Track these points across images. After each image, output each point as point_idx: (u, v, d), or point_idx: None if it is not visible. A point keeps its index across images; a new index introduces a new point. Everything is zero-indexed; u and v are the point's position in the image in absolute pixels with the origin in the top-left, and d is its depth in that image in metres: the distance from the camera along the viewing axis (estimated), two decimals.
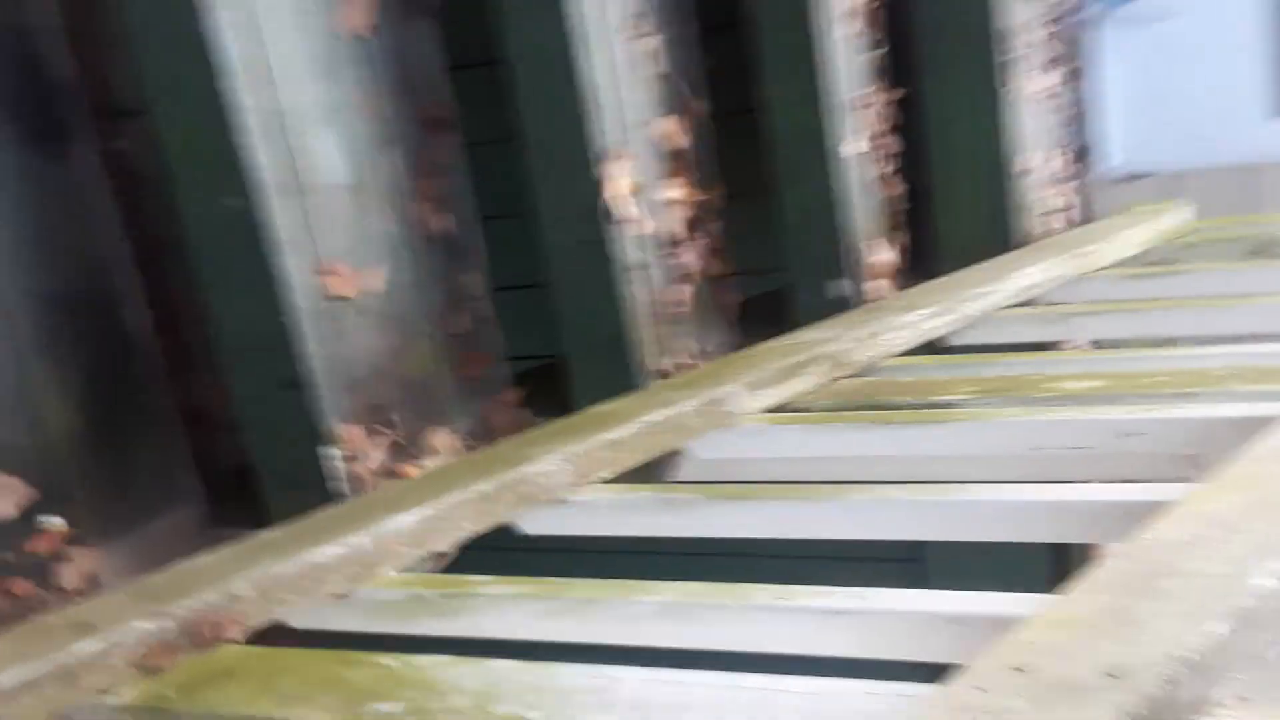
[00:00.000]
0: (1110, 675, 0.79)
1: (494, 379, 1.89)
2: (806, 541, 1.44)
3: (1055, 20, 4.92)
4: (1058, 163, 3.85)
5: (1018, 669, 0.83)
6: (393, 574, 1.39)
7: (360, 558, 1.36)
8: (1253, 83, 6.37)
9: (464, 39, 1.98)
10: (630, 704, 1.00)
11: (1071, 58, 5.44)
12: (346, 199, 1.63)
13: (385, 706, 1.07)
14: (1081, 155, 5.84)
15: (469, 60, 2.00)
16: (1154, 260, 2.79)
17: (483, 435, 1.81)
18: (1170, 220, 2.98)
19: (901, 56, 2.69)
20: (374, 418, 1.62)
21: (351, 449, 1.57)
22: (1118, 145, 6.45)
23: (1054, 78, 3.92)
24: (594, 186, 1.90)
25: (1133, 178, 5.60)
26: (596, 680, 1.04)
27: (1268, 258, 2.74)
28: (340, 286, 1.59)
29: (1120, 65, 6.32)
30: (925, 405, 1.80)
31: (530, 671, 1.08)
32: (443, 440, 1.73)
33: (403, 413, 1.67)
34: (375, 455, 1.61)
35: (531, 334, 2.02)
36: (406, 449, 1.67)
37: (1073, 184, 4.11)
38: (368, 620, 1.35)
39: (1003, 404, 1.74)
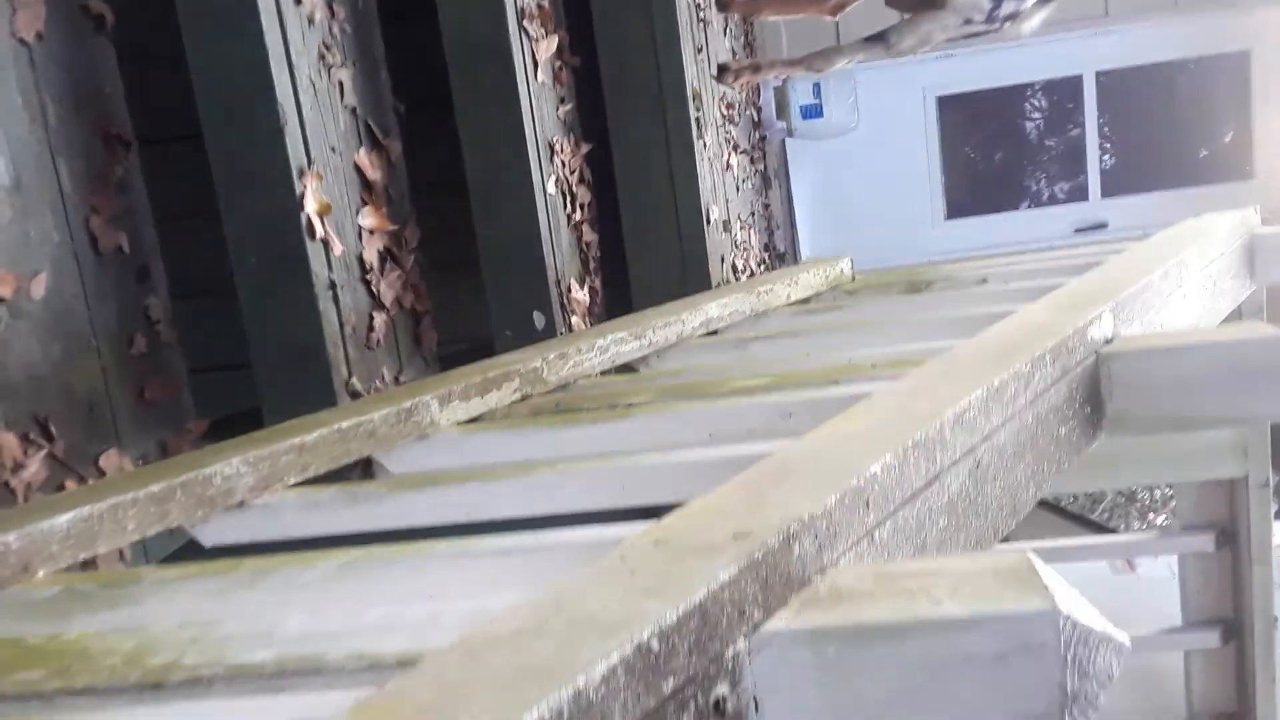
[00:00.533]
0: (736, 537, 0.80)
1: (177, 407, 1.77)
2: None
3: (752, 122, 5.23)
4: (750, 240, 4.05)
5: (657, 541, 0.82)
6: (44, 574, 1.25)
7: (4, 558, 1.22)
8: (925, 191, 6.97)
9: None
10: (293, 639, 0.93)
11: (765, 162, 5.79)
12: (4, 199, 1.50)
13: (27, 675, 0.95)
14: (772, 251, 6.19)
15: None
16: (823, 300, 2.96)
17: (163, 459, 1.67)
18: (837, 270, 3.19)
19: (596, 114, 2.78)
20: (31, 427, 1.47)
21: (2, 457, 1.41)
22: (805, 242, 6.88)
23: (745, 166, 4.15)
24: (289, 201, 1.84)
25: None
26: (259, 625, 0.96)
27: (918, 292, 2.97)
28: None
29: (806, 177, 6.79)
30: (611, 407, 1.82)
31: (189, 629, 0.99)
32: (113, 461, 1.59)
33: (67, 427, 1.53)
34: (31, 467, 1.46)
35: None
36: (69, 465, 1.52)
37: (762, 265, 4.35)
38: (13, 621, 1.20)
39: (683, 401, 1.79)
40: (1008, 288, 2.86)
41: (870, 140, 6.63)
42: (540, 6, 2.46)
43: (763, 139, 6.11)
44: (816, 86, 6.53)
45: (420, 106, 2.41)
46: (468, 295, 2.43)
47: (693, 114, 2.75)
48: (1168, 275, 2.24)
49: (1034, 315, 1.81)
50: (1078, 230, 6.93)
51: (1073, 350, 1.60)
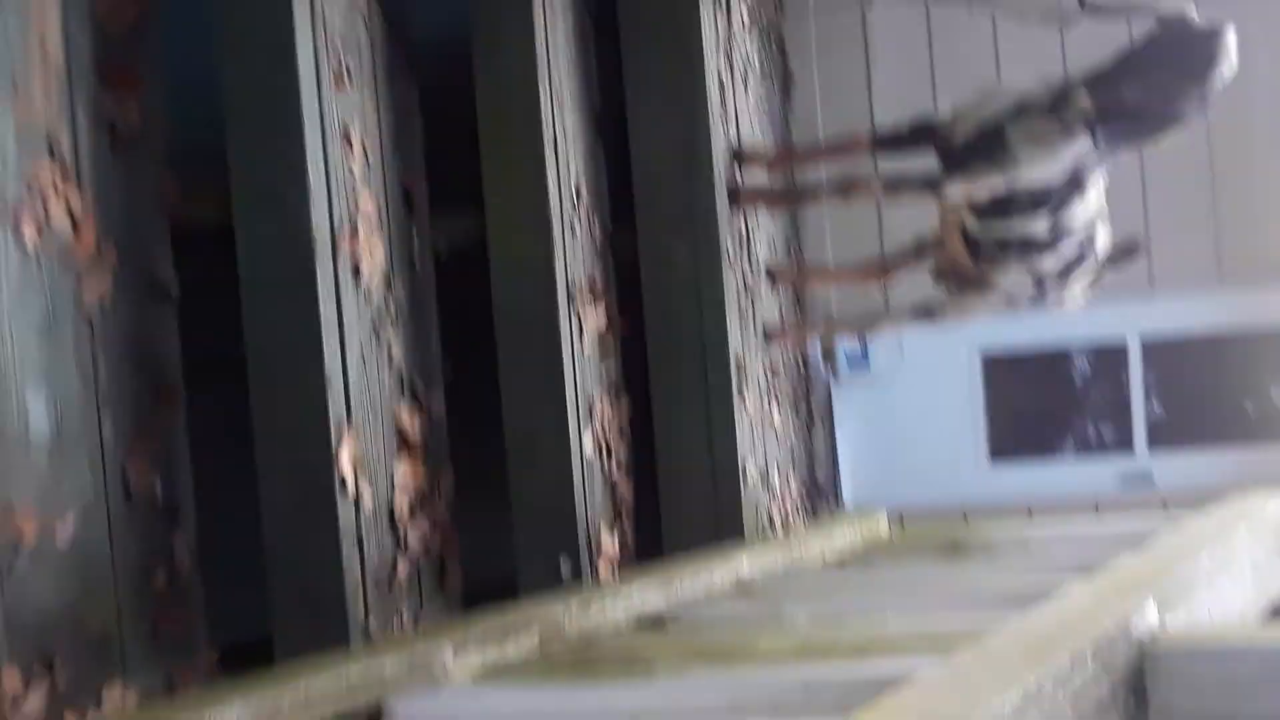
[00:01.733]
0: None
1: (191, 639, 1.66)
2: None
3: (797, 369, 5.14)
4: (790, 486, 3.89)
5: None
6: None
7: None
8: (971, 434, 6.71)
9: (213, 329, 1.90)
10: None
11: (810, 406, 5.66)
12: (44, 449, 1.47)
13: None
14: (814, 491, 5.96)
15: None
16: (858, 558, 2.76)
17: (167, 694, 1.56)
18: (873, 526, 2.99)
19: (638, 370, 2.71)
20: (36, 660, 1.38)
21: (3, 690, 1.32)
22: (848, 486, 6.63)
23: (788, 414, 4.04)
24: (324, 455, 1.78)
25: None
26: None
27: (956, 556, 2.75)
28: (18, 532, 1.39)
29: (854, 417, 6.60)
30: (632, 666, 1.65)
31: None
32: (115, 695, 1.48)
33: (73, 661, 1.43)
34: (32, 700, 1.36)
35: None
36: (72, 699, 1.42)
37: (801, 510, 4.16)
38: None
39: (705, 664, 1.62)
40: (1048, 558, 2.62)
41: (914, 389, 6.47)
42: (592, 279, 2.45)
43: (809, 383, 6.00)
44: (862, 332, 6.41)
45: (469, 356, 2.37)
46: (497, 536, 2.32)
47: (734, 378, 2.67)
48: (1214, 558, 2.01)
49: (1074, 602, 1.61)
50: (1124, 483, 6.56)
51: (1114, 644, 1.38)
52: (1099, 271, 3.06)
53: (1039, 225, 2.77)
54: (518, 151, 2.32)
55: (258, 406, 1.78)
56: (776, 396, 3.49)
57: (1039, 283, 2.96)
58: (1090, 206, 2.81)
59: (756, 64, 4.07)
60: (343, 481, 1.79)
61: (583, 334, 2.38)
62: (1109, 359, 6.75)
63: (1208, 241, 6.24)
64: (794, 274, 3.64)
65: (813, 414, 6.12)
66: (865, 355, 6.18)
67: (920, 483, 6.50)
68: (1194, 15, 2.44)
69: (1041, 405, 6.89)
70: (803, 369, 5.55)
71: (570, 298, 2.34)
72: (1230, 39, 2.37)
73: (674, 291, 2.69)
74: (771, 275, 3.47)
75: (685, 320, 2.67)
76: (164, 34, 1.84)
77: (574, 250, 2.42)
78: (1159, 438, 6.61)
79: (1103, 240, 2.97)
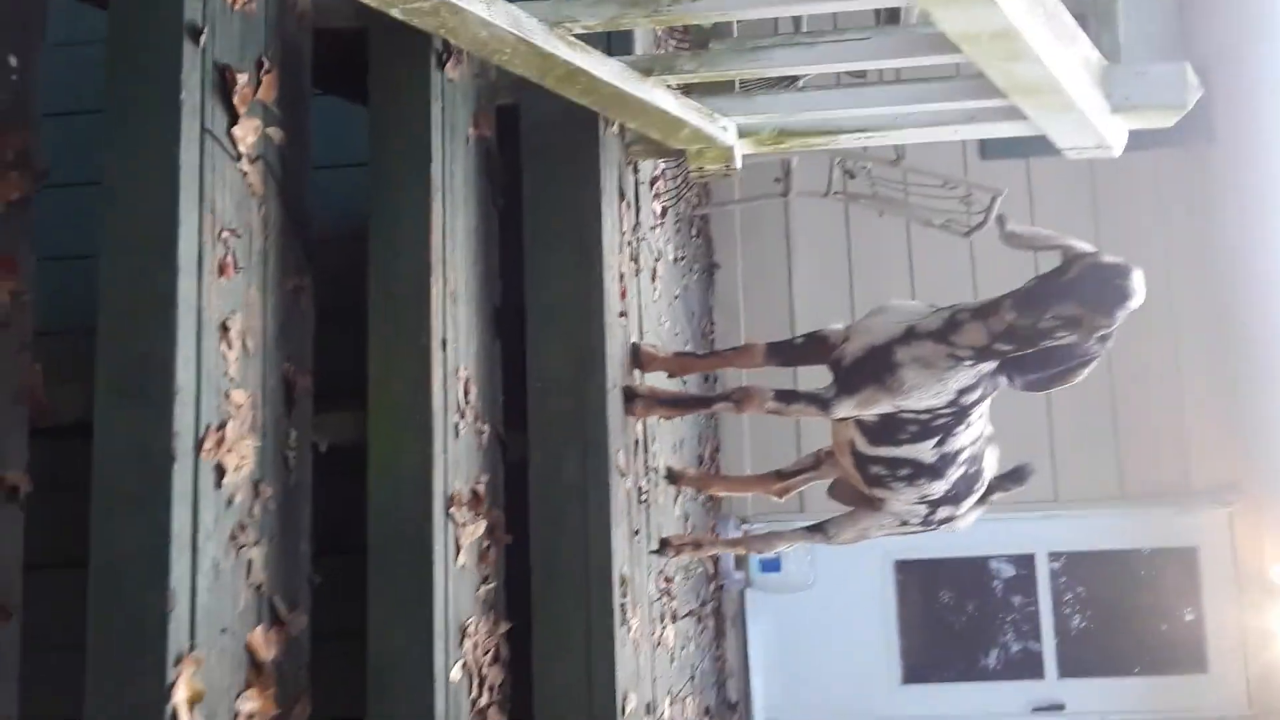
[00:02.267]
0: None
1: None
2: None
3: (705, 576, 5.21)
4: (684, 714, 3.90)
5: None
6: None
7: None
8: (883, 652, 6.83)
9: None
10: None
11: (715, 615, 5.72)
12: None
13: None
14: (723, 708, 5.96)
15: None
16: None
17: None
18: None
19: (521, 592, 2.74)
20: None
21: None
22: (760, 702, 6.65)
23: (690, 627, 4.08)
24: (156, 691, 1.75)
25: None
26: None
27: None
28: None
29: (763, 627, 6.68)
30: None
31: None
32: None
33: None
34: None
35: None
36: None
37: None
38: None
39: None
40: None
41: (827, 597, 6.60)
42: (474, 491, 2.50)
43: (719, 589, 6.07)
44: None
45: (343, 558, 2.38)
46: None
47: (618, 600, 2.71)
48: None
49: None
50: (1035, 710, 6.72)
51: None
52: (989, 495, 3.25)
53: (926, 450, 2.94)
54: (405, 345, 2.40)
55: (93, 632, 1.76)
56: (674, 612, 3.54)
57: (930, 506, 3.12)
58: (976, 431, 2.99)
59: (671, 254, 4.29)
60: (174, 718, 1.76)
61: (459, 549, 2.42)
62: (1019, 571, 7.02)
63: (1110, 459, 6.66)
64: (694, 480, 3.76)
65: (723, 623, 6.17)
66: (778, 562, 6.32)
67: (835, 701, 6.57)
68: (1100, 252, 2.70)
69: (955, 618, 7.09)
70: (713, 571, 5.63)
71: (448, 508, 2.39)
72: (1139, 278, 2.62)
73: (561, 502, 2.75)
74: (672, 478, 3.57)
75: (570, 534, 2.73)
76: (47, 200, 1.89)
77: (457, 454, 2.48)
78: (1070, 662, 6.85)
79: (991, 465, 3.16)
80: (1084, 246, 2.68)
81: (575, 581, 2.71)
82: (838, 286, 7.05)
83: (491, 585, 2.57)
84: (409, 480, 2.31)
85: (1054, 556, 6.83)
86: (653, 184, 3.76)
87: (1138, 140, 3.00)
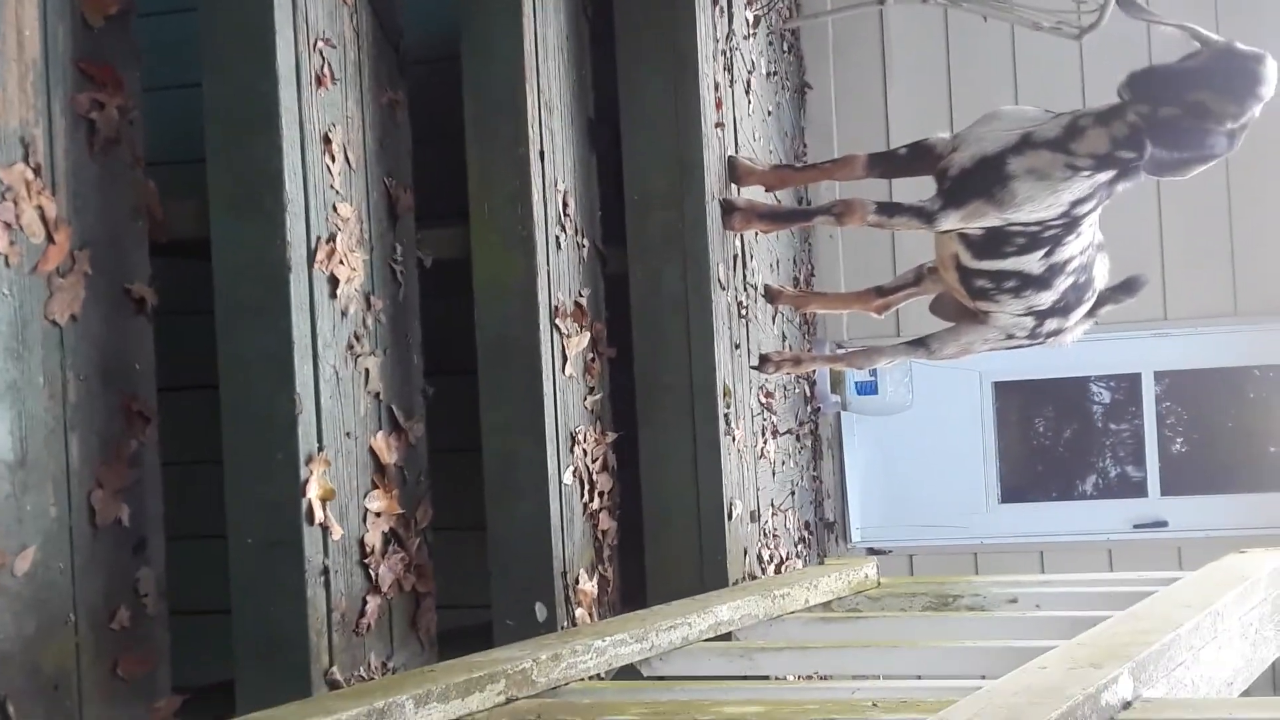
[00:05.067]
0: None
1: (152, 683, 1.73)
2: None
3: (802, 398, 5.26)
4: (787, 525, 3.99)
5: None
6: None
7: None
8: (980, 473, 6.87)
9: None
10: None
11: (816, 435, 5.78)
12: (4, 475, 1.53)
13: None
14: (819, 527, 6.09)
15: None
16: (843, 606, 2.87)
17: None
18: (860, 574, 3.10)
19: (625, 405, 2.81)
20: None
21: None
22: (856, 522, 6.78)
23: (789, 445, 4.14)
24: (291, 488, 1.85)
25: (871, 553, 5.84)
26: None
27: (942, 609, 2.86)
28: None
29: (860, 450, 6.75)
30: None
31: None
32: None
33: (25, 705, 1.50)
34: None
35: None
36: None
37: (800, 545, 4.27)
38: None
39: None
40: (1036, 614, 2.74)
41: (925, 419, 6.59)
42: (577, 304, 2.54)
43: (816, 411, 6.12)
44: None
45: (454, 375, 2.45)
46: (476, 576, 2.40)
47: (721, 410, 2.76)
48: (1199, 628, 2.12)
49: (1046, 673, 1.71)
50: (1136, 526, 6.74)
51: (1084, 717, 1.49)
52: (1099, 308, 3.17)
53: (1033, 262, 2.87)
54: (503, 161, 2.40)
55: (227, 433, 1.85)
56: (775, 427, 3.59)
57: (1037, 319, 3.06)
58: (1086, 240, 2.91)
59: (764, 68, 4.19)
60: (310, 514, 1.87)
61: (565, 359, 2.47)
62: (1123, 392, 6.93)
63: (1224, 276, 6.45)
64: (791, 297, 3.74)
65: (820, 445, 6.25)
66: (875, 384, 6.32)
67: (931, 521, 6.66)
68: (1236, 41, 2.55)
69: (1054, 440, 7.07)
70: (810, 394, 5.68)
71: (553, 319, 2.43)
72: (1272, 65, 2.48)
73: (662, 316, 2.78)
74: (769, 296, 3.56)
75: (672, 347, 2.77)
76: (142, 31, 1.92)
77: (558, 268, 2.51)
78: (1173, 481, 6.81)
79: (1101, 275, 3.08)
80: (1215, 35, 2.54)
81: (679, 393, 2.76)
82: (937, 104, 6.76)
83: (598, 396, 2.63)
84: (514, 292, 2.36)
85: (1160, 377, 6.72)
86: None
87: None
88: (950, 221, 2.83)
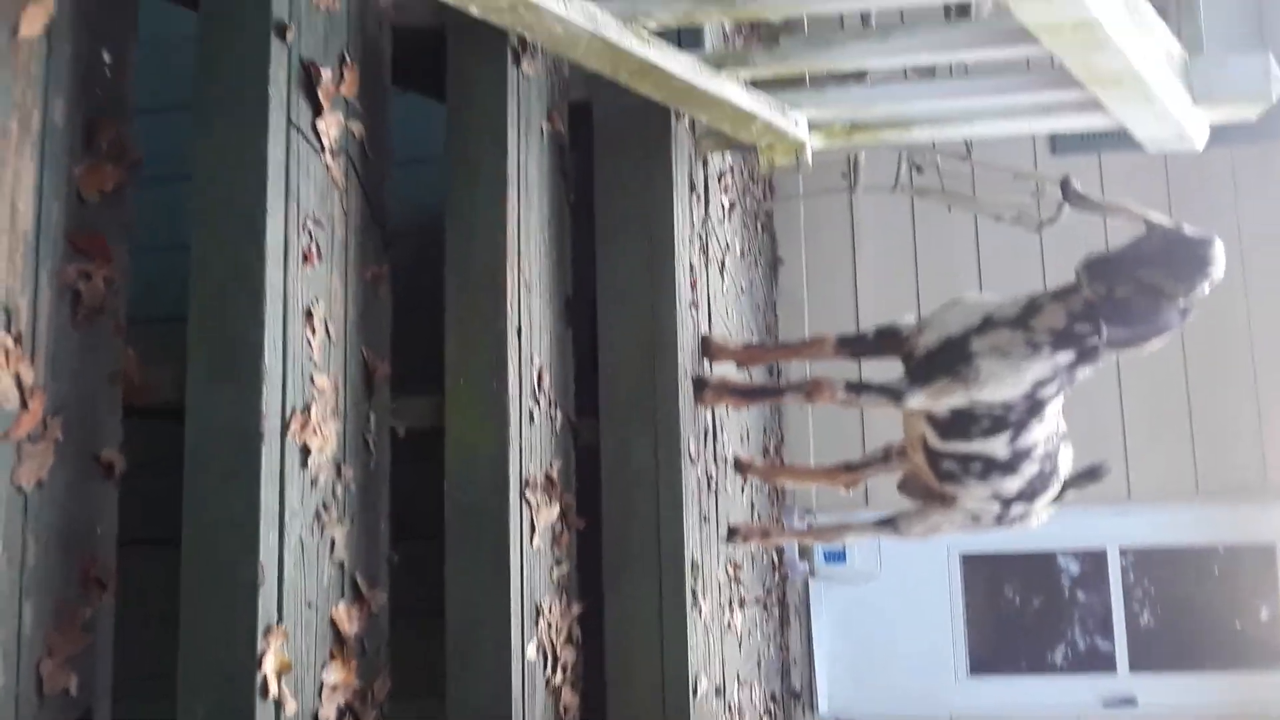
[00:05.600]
0: None
1: None
2: None
3: (771, 566, 5.20)
4: (753, 699, 3.89)
5: None
6: None
7: None
8: (950, 643, 6.75)
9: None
10: None
11: (784, 604, 5.70)
12: None
13: None
14: (787, 699, 5.94)
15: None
16: None
17: None
18: None
19: (592, 576, 2.76)
20: None
21: None
22: (824, 692, 6.61)
23: (757, 615, 4.07)
24: (248, 660, 1.79)
25: None
26: None
27: None
28: None
29: (828, 618, 6.64)
30: None
31: None
32: None
33: None
34: None
35: None
36: None
37: (765, 718, 4.15)
38: None
39: None
40: None
41: (893, 589, 6.51)
42: (548, 476, 2.52)
43: (784, 578, 6.04)
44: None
45: (420, 544, 2.41)
46: None
47: (689, 585, 2.72)
48: None
49: None
50: (1106, 705, 6.59)
51: None
52: (1063, 494, 3.18)
53: (999, 445, 2.89)
54: (481, 336, 2.42)
55: (185, 599, 1.81)
56: (742, 598, 3.54)
57: (1003, 504, 3.07)
58: (1050, 427, 2.94)
59: (738, 248, 4.29)
60: (264, 688, 1.80)
61: (534, 530, 2.44)
62: (1090, 567, 6.88)
63: (1185, 455, 6.50)
64: (761, 470, 3.74)
65: (787, 613, 6.15)
66: (843, 553, 6.27)
67: (900, 693, 6.51)
68: (1184, 224, 2.63)
69: (1022, 613, 6.97)
70: (778, 560, 5.62)
71: (523, 491, 2.41)
72: (1220, 247, 2.56)
73: (632, 488, 2.77)
74: (739, 468, 3.56)
75: (641, 519, 2.74)
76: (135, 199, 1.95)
77: (531, 440, 2.50)
78: (1141, 657, 6.70)
79: (1066, 464, 3.10)
80: (1161, 217, 2.62)
81: (647, 565, 2.72)
82: (903, 282, 6.95)
83: (565, 568, 2.59)
84: (486, 462, 2.34)
85: (1125, 552, 6.69)
86: (721, 178, 3.76)
87: (1215, 135, 2.92)
88: (918, 400, 2.86)
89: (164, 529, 1.99)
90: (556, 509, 2.52)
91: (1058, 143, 6.79)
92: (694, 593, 2.76)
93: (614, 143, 2.88)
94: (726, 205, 3.86)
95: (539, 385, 2.51)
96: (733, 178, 4.01)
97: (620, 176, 2.86)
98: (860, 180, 5.41)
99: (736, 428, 3.86)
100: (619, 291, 2.81)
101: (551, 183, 2.72)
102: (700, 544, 2.92)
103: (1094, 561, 6.72)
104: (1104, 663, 6.60)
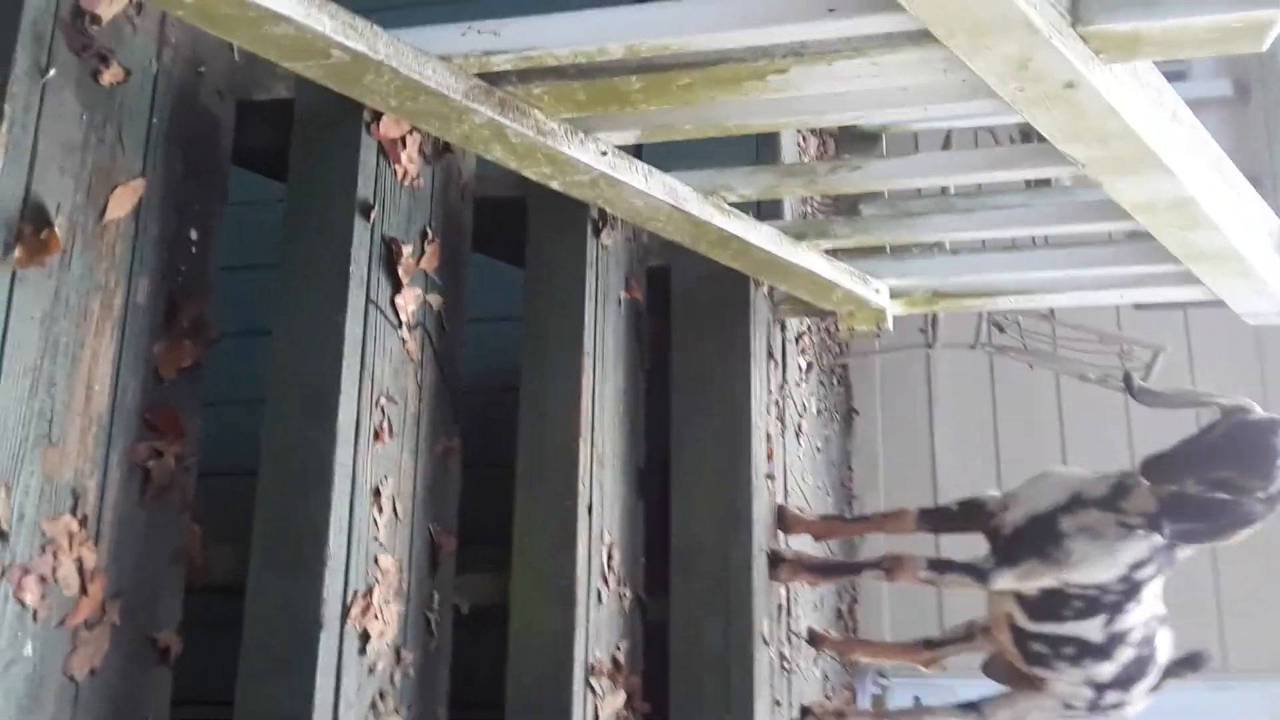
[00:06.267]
0: None
1: None
2: None
3: None
4: None
5: None
6: None
7: None
8: None
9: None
10: None
11: None
12: None
13: None
14: None
15: None
16: None
17: None
18: None
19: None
20: None
21: None
22: None
23: None
24: None
25: None
26: None
27: None
28: None
29: None
30: None
31: None
32: None
33: None
34: None
35: None
36: None
37: None
38: None
39: None
40: None
41: None
42: (614, 659, 2.41)
43: None
44: (916, 699, 6.22)
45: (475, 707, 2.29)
46: None
47: None
48: None
49: None
50: None
51: None
52: (1161, 681, 2.98)
53: (1093, 629, 2.72)
54: (550, 512, 2.35)
55: None
56: None
57: (1096, 690, 2.88)
58: (1147, 611, 2.76)
59: (813, 407, 4.20)
60: None
61: (598, 718, 2.31)
62: None
63: None
64: (836, 644, 3.57)
65: None
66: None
67: None
68: (1255, 406, 2.48)
69: None
70: None
71: (588, 677, 2.30)
72: None
73: (702, 670, 2.63)
74: (814, 641, 3.40)
75: (711, 705, 2.60)
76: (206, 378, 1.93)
77: (598, 622, 2.40)
78: None
79: (1164, 649, 2.91)
80: (1231, 401, 2.48)
81: None
82: (982, 438, 6.77)
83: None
84: (549, 647, 2.24)
85: None
86: (799, 339, 3.70)
87: None
88: (1005, 581, 2.72)
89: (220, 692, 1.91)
90: (622, 695, 2.40)
91: None
92: None
93: (691, 310, 2.84)
94: (804, 366, 3.79)
95: (608, 564, 2.42)
96: (810, 338, 3.95)
97: (698, 344, 2.81)
98: (939, 337, 5.31)
99: (811, 595, 3.70)
100: (693, 463, 2.73)
101: (627, 351, 2.67)
102: None
103: None
104: None
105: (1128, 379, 2.60)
